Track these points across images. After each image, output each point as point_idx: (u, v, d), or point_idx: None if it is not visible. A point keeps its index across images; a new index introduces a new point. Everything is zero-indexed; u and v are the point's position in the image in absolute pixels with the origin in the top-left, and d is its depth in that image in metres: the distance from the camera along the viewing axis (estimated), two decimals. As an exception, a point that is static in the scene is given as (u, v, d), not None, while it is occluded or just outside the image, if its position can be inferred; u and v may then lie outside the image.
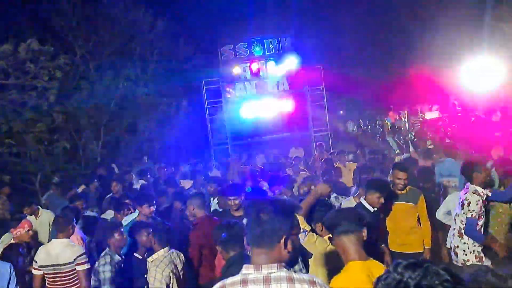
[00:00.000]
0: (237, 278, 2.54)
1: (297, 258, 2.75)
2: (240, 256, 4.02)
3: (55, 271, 5.68)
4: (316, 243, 4.11)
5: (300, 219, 4.05)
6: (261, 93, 18.93)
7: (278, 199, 3.01)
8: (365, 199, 5.86)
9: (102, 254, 5.56)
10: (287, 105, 19.11)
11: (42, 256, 5.74)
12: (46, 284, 5.81)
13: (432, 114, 23.26)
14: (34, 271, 5.84)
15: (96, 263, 5.47)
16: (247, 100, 19.03)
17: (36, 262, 5.76)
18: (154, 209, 6.92)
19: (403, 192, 6.52)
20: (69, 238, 5.94)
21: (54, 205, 9.50)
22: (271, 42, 19.23)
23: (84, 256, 5.63)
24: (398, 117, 23.34)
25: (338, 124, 25.98)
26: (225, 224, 4.62)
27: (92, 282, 5.44)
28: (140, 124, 20.73)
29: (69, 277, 5.67)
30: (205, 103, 19.34)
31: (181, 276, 5.32)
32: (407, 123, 21.68)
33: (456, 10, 20.42)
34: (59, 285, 5.71)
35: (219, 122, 19.44)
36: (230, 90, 19.05)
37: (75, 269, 5.59)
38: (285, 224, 2.56)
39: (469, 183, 6.03)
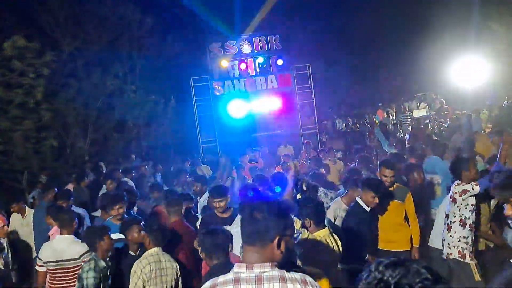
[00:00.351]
0: (228, 276, 2.52)
1: (293, 261, 2.71)
2: (224, 265, 3.94)
3: (59, 267, 5.66)
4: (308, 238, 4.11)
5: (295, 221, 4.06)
6: (250, 90, 18.91)
7: (273, 199, 2.99)
8: (360, 198, 5.86)
9: (88, 259, 5.42)
10: (275, 103, 19.11)
11: (47, 253, 5.72)
12: (48, 281, 5.77)
13: (420, 112, 23.40)
14: (38, 268, 5.84)
15: (81, 269, 5.33)
16: (236, 97, 19.01)
17: (41, 259, 5.74)
18: (124, 210, 6.76)
19: (390, 189, 6.49)
20: (73, 234, 5.95)
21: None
22: (259, 39, 19.24)
23: (90, 253, 5.57)
24: (386, 115, 23.43)
25: (326, 122, 26.04)
26: (210, 231, 4.52)
27: None
28: (128, 122, 20.63)
29: (72, 274, 5.62)
30: (193, 100, 19.28)
31: (173, 285, 5.09)
32: (395, 121, 21.76)
33: (444, 8, 20.57)
34: (62, 281, 5.67)
35: (208, 120, 19.39)
36: (218, 87, 19.01)
37: (79, 265, 5.54)
38: (279, 224, 2.55)
39: (458, 180, 6.06)
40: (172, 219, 6.09)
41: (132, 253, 5.59)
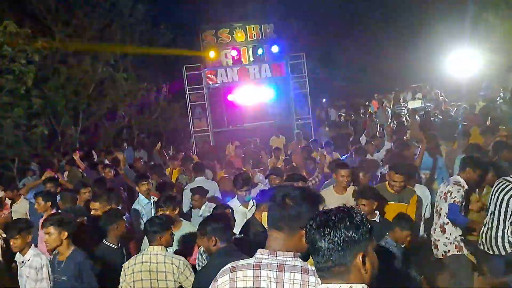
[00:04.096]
0: (250, 261, 2.51)
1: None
2: (230, 247, 3.98)
3: None
4: None
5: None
6: (243, 80, 18.75)
7: (305, 187, 2.91)
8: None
9: None
10: (269, 93, 18.97)
11: None
12: None
13: (415, 103, 23.39)
14: None
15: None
16: (229, 86, 18.86)
17: None
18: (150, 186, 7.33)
19: (397, 192, 6.32)
20: None
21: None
22: (253, 28, 19.05)
23: None
24: (380, 105, 23.35)
25: (320, 112, 25.99)
26: (215, 215, 4.48)
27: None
28: (120, 110, 20.46)
29: None
30: (186, 89, 19.07)
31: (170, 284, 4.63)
32: (389, 111, 21.69)
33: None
34: None
35: (200, 109, 19.21)
36: (211, 76, 18.82)
37: None
38: (309, 213, 2.42)
39: (454, 176, 6.05)
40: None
41: (113, 246, 5.36)
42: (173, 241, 4.93)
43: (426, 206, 6.77)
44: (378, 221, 5.67)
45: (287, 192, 2.56)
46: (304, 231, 2.31)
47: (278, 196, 2.55)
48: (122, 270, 4.57)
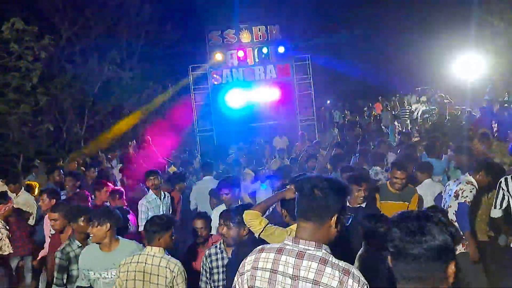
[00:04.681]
0: (276, 245, 2.60)
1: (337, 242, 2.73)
2: (254, 238, 3.99)
3: None
4: (275, 234, 4.04)
5: (255, 213, 4.06)
6: (248, 80, 18.82)
7: (333, 177, 2.98)
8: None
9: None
10: (274, 93, 19.03)
11: None
12: None
13: (419, 106, 23.33)
14: None
15: None
16: (234, 87, 18.92)
17: None
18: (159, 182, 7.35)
19: (398, 191, 6.29)
20: None
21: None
22: (259, 29, 19.11)
23: None
24: (384, 108, 23.35)
25: (324, 113, 26.00)
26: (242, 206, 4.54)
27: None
28: (125, 108, 20.54)
29: None
30: (191, 89, 19.15)
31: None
32: (393, 114, 21.67)
33: (445, 3, 20.51)
34: None
35: (205, 109, 19.29)
36: (216, 76, 18.90)
37: None
38: (338, 203, 2.55)
39: (464, 176, 6.02)
40: None
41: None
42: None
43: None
44: (363, 206, 5.66)
45: (315, 183, 2.60)
46: (332, 220, 2.52)
47: (306, 187, 2.60)
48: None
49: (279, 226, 4.24)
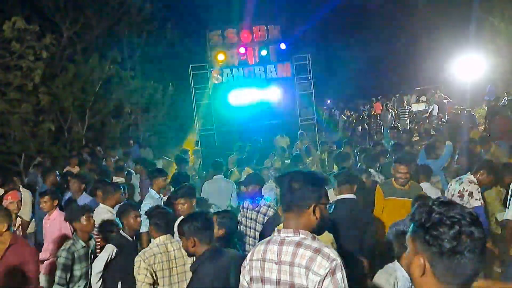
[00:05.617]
0: (267, 238, 2.94)
1: (324, 228, 2.93)
2: (215, 251, 3.84)
3: None
4: None
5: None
6: (249, 79, 18.84)
7: (309, 171, 3.37)
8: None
9: (68, 240, 5.39)
10: (274, 93, 19.06)
11: None
12: None
13: (418, 106, 23.40)
14: None
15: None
16: (235, 86, 18.95)
17: None
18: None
19: (404, 187, 6.32)
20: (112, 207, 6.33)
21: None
22: (259, 29, 19.12)
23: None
24: (384, 108, 23.37)
25: (324, 112, 26.04)
26: (198, 213, 4.26)
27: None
28: (126, 107, 20.58)
29: None
30: (191, 88, 19.18)
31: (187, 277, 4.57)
32: (393, 114, 21.71)
33: (445, 2, 20.52)
34: None
35: (206, 108, 19.31)
36: (217, 76, 18.92)
37: None
38: (314, 193, 2.83)
39: (466, 175, 6.05)
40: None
41: (129, 238, 5.36)
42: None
43: None
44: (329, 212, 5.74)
45: (292, 177, 2.89)
46: (310, 209, 2.78)
47: (285, 182, 2.88)
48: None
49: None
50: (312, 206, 2.79)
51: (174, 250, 4.63)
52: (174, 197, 5.71)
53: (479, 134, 10.90)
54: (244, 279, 2.94)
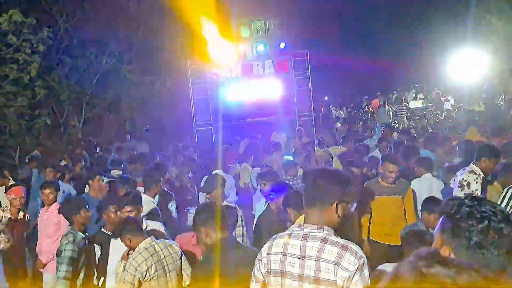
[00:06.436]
0: (288, 231, 3.00)
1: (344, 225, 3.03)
2: (231, 239, 3.89)
3: None
4: None
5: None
6: (247, 75, 18.77)
7: (334, 169, 3.41)
8: None
9: (66, 232, 5.32)
10: (272, 89, 18.98)
11: None
12: None
13: (416, 103, 23.39)
14: None
15: (59, 243, 5.21)
16: (232, 82, 18.87)
17: None
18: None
19: (391, 185, 6.27)
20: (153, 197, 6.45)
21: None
22: (258, 24, 19.03)
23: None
24: (381, 105, 23.37)
25: (322, 109, 26.01)
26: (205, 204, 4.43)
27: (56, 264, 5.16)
28: (123, 101, 20.50)
29: None
30: (189, 83, 19.08)
31: (178, 273, 4.60)
32: (390, 111, 21.70)
33: (444, 1, 20.49)
34: None
35: (203, 103, 19.23)
36: (215, 71, 18.82)
37: None
38: (338, 191, 2.89)
39: (469, 166, 5.98)
40: None
41: (108, 232, 5.38)
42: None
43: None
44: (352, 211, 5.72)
45: (317, 174, 2.98)
46: (333, 206, 2.85)
47: (310, 179, 2.96)
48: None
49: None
50: (335, 203, 2.87)
51: (161, 249, 4.53)
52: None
53: (475, 130, 10.89)
54: (259, 272, 2.99)
